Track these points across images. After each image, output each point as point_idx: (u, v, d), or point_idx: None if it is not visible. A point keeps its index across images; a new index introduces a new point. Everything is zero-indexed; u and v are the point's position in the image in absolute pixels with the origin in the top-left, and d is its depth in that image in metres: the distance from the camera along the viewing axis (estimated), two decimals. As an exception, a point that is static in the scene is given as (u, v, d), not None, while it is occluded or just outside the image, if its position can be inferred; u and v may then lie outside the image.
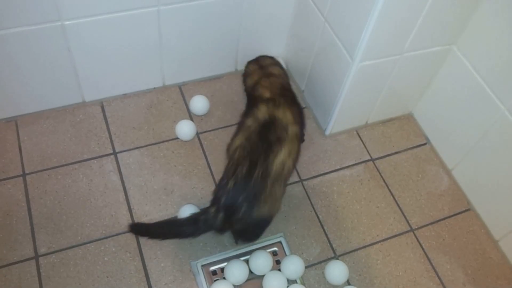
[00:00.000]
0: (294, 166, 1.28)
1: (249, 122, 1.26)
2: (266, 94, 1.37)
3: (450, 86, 1.47)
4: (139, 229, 1.29)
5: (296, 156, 1.27)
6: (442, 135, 1.58)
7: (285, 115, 1.27)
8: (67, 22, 1.28)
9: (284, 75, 1.49)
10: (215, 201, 1.21)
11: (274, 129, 1.24)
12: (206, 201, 1.38)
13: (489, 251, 1.42)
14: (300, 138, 1.35)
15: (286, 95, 1.39)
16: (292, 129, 1.26)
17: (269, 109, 1.28)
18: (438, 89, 1.52)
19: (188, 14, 1.41)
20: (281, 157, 1.20)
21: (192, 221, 1.21)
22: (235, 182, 1.18)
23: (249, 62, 1.54)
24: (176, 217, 1.36)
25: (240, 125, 1.30)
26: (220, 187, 1.22)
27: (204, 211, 1.21)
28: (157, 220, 1.34)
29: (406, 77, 1.46)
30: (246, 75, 1.52)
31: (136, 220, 1.34)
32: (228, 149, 1.28)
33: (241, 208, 1.18)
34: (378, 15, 1.17)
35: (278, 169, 1.20)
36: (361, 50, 1.26)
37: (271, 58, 1.55)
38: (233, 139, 1.28)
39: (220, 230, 1.26)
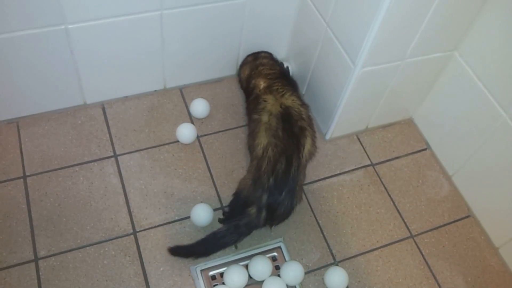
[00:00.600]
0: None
1: (265, 118, 1.29)
2: (261, 83, 1.43)
3: (451, 92, 1.47)
4: (181, 251, 1.28)
5: (315, 136, 1.34)
6: (443, 140, 1.57)
7: (293, 101, 1.34)
8: (70, 26, 1.28)
9: (270, 58, 1.56)
10: (254, 201, 1.23)
11: (294, 120, 1.29)
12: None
13: (489, 258, 1.42)
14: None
15: (278, 76, 1.45)
16: (305, 112, 1.34)
17: (277, 100, 1.33)
18: (439, 95, 1.52)
19: (190, 18, 1.41)
20: (308, 146, 1.28)
21: (233, 228, 1.24)
22: (275, 180, 1.21)
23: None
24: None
25: (256, 122, 1.31)
26: (258, 186, 1.23)
27: (244, 215, 1.24)
28: (157, 224, 1.35)
29: (408, 83, 1.46)
30: (240, 69, 1.60)
31: (135, 224, 1.34)
32: (253, 148, 1.30)
33: (283, 203, 1.23)
34: (381, 21, 1.16)
35: (307, 159, 1.29)
36: (363, 55, 1.26)
37: (261, 51, 1.60)
38: (254, 137, 1.29)
39: (261, 227, 1.29)
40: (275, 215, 1.26)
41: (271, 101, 1.33)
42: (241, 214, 1.25)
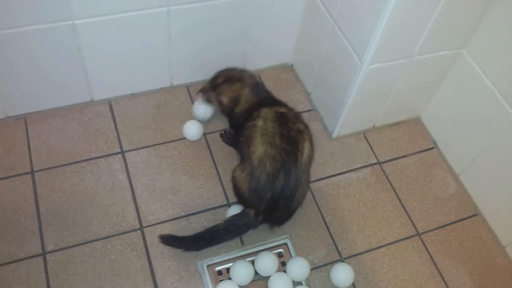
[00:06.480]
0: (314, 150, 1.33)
1: (260, 123, 1.27)
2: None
3: (458, 90, 1.47)
4: (174, 242, 1.28)
5: (312, 139, 1.31)
6: (450, 139, 1.57)
7: (288, 110, 1.33)
8: (77, 21, 1.29)
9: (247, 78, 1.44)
10: (253, 204, 1.26)
11: (291, 123, 1.27)
12: (212, 201, 1.40)
13: (496, 257, 1.42)
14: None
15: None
16: (300, 116, 1.34)
17: (270, 109, 1.31)
18: (447, 93, 1.52)
19: (197, 15, 1.42)
20: (307, 151, 1.26)
21: (233, 227, 1.27)
22: (272, 195, 1.23)
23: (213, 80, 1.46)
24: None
25: (251, 128, 1.27)
26: (256, 197, 1.25)
27: (243, 215, 1.27)
28: (164, 220, 1.35)
29: (415, 81, 1.46)
30: (218, 95, 1.43)
31: (142, 219, 1.34)
32: (248, 155, 1.26)
33: (280, 211, 1.26)
34: (388, 18, 1.17)
35: (307, 164, 1.27)
36: (371, 52, 1.26)
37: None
38: (249, 143, 1.25)
39: (256, 227, 1.31)
40: (272, 218, 1.30)
41: (266, 110, 1.30)
42: (240, 214, 1.29)
